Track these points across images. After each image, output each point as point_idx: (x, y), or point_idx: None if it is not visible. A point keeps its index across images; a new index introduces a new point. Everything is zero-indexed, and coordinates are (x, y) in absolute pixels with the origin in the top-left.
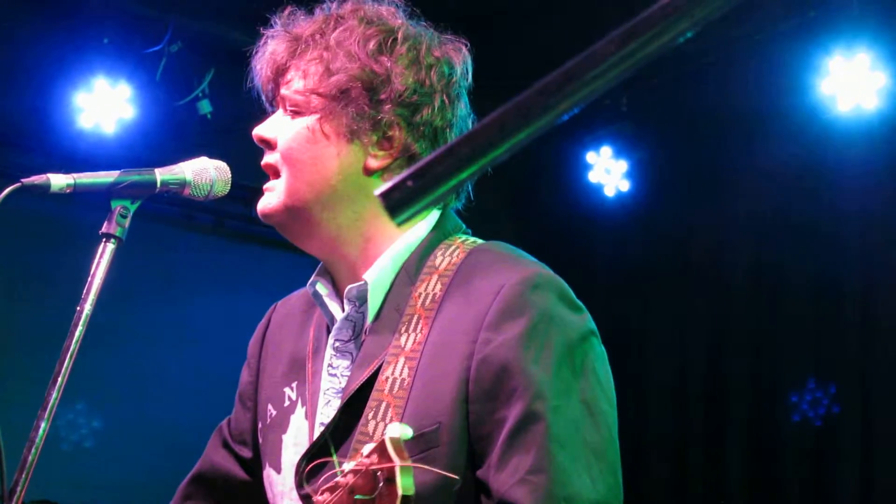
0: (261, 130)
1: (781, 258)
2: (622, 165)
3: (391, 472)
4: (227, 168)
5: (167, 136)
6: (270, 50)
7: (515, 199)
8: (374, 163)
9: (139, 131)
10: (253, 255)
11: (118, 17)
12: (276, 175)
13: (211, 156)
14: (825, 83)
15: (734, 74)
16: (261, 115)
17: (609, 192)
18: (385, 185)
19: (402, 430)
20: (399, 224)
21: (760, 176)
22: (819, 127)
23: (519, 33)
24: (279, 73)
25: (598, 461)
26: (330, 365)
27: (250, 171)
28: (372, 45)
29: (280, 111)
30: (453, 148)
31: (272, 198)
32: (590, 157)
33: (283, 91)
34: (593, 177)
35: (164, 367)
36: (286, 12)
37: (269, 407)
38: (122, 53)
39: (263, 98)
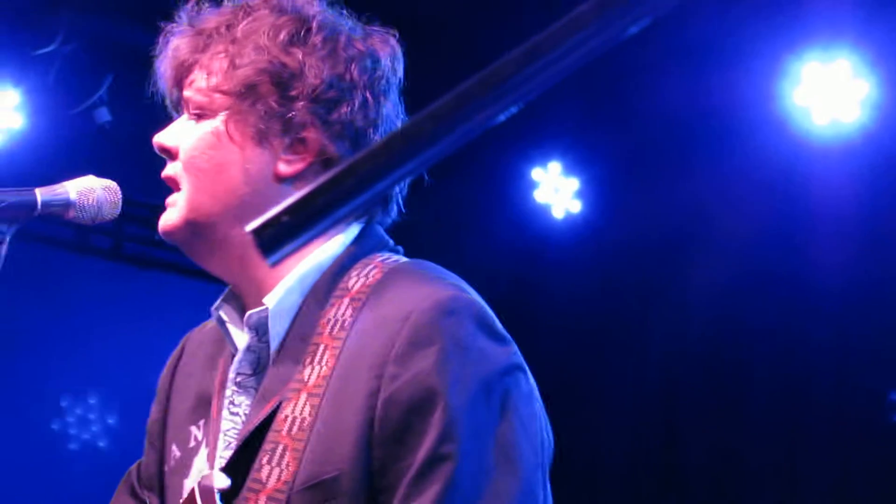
0: (161, 138)
1: (754, 292)
2: (573, 183)
3: None
4: (117, 188)
5: (60, 148)
6: (173, 47)
7: (449, 223)
8: (285, 168)
9: (28, 143)
10: (157, 282)
11: (4, 12)
12: (178, 188)
13: (111, 170)
14: (798, 92)
15: (700, 80)
16: (167, 123)
17: (557, 213)
18: (257, 221)
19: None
20: (272, 265)
21: (730, 195)
22: (792, 141)
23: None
24: (183, 72)
25: None
26: (231, 402)
27: (154, 186)
28: (283, 35)
29: (184, 116)
30: (338, 176)
31: (172, 213)
32: (536, 173)
33: (186, 92)
34: (540, 196)
35: (63, 424)
36: (190, 4)
37: (174, 448)
38: (8, 54)
39: (168, 104)
